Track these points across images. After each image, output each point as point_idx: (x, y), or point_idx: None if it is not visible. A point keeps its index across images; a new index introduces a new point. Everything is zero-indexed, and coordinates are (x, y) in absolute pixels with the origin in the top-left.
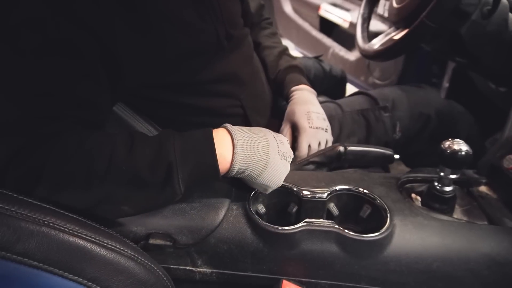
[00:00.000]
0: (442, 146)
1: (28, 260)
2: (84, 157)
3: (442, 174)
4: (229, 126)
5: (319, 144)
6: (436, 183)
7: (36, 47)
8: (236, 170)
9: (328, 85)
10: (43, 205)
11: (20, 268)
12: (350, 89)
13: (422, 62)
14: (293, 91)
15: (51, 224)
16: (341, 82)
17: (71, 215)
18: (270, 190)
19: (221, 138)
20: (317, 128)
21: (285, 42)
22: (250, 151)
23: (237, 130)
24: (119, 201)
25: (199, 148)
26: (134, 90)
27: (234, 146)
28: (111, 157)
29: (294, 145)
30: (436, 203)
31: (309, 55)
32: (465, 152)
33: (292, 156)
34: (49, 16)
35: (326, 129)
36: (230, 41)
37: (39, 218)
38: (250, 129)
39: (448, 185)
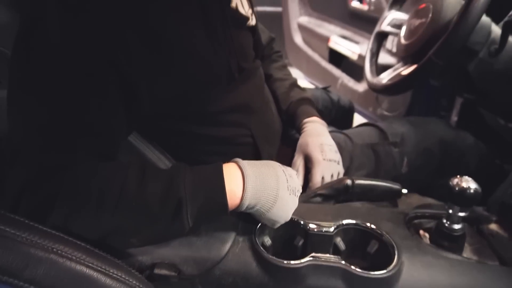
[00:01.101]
0: (451, 183)
1: (35, 287)
2: (96, 190)
3: (450, 211)
4: (240, 161)
5: (332, 176)
6: (444, 221)
7: (57, 77)
8: (246, 206)
9: (336, 115)
10: (52, 232)
11: None
12: (358, 119)
13: (431, 95)
14: (305, 123)
15: (59, 251)
16: (349, 112)
17: (79, 242)
18: (278, 225)
19: (232, 173)
20: (330, 160)
21: (295, 72)
22: (260, 187)
23: (247, 165)
24: (128, 233)
25: (209, 184)
26: (145, 119)
27: (245, 182)
28: (122, 190)
29: (308, 176)
30: (445, 241)
31: (319, 85)
32: (474, 190)
33: (300, 191)
34: (74, 50)
35: (338, 161)
36: (241, 73)
37: (48, 245)
38: (260, 164)
39: (457, 223)
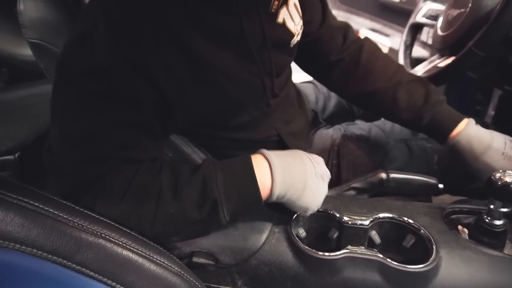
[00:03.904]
0: (493, 177)
1: (85, 270)
2: (132, 203)
3: (492, 206)
4: (266, 152)
5: None
6: (485, 216)
7: (100, 94)
8: (276, 196)
9: None
10: (101, 218)
11: (78, 278)
12: None
13: (466, 88)
14: (458, 141)
15: (107, 236)
16: None
17: (124, 229)
18: (310, 212)
19: (260, 166)
20: None
21: None
22: (288, 176)
23: (273, 155)
24: (170, 235)
25: (241, 180)
26: (178, 127)
27: (273, 173)
28: (158, 201)
29: None
30: (485, 237)
31: None
32: None
33: (329, 176)
34: (118, 69)
35: None
36: (275, 91)
37: (97, 230)
38: (286, 153)
39: (499, 219)
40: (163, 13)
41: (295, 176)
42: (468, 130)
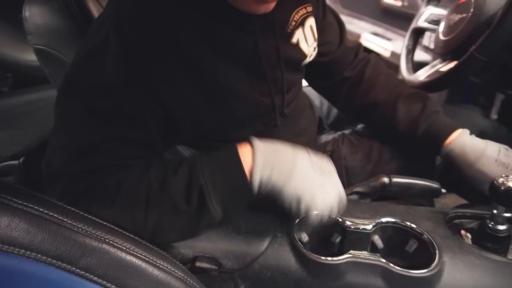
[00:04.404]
0: (496, 182)
1: (89, 275)
2: (124, 201)
3: (495, 211)
4: (252, 137)
5: None
6: (488, 221)
7: (102, 109)
8: (259, 178)
9: None
10: (104, 223)
11: (82, 283)
12: None
13: (468, 92)
14: (452, 150)
15: (111, 242)
16: None
17: (128, 234)
18: (305, 205)
19: (244, 149)
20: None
21: None
22: (271, 156)
23: (259, 140)
24: (165, 231)
25: (225, 164)
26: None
27: (254, 153)
28: (148, 196)
29: None
30: (489, 242)
31: None
32: None
33: (333, 169)
34: (123, 84)
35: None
36: (284, 110)
37: (101, 235)
38: (276, 142)
39: (502, 224)
40: (175, 32)
41: (281, 157)
42: (462, 138)
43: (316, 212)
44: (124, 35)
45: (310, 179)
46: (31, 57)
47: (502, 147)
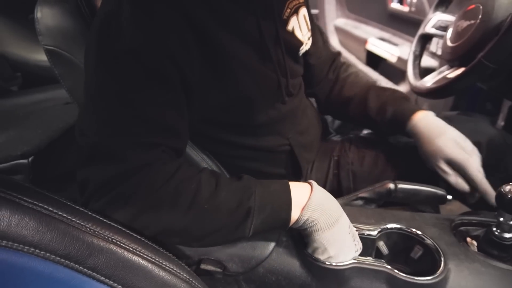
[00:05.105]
0: (502, 190)
1: (96, 274)
2: (171, 191)
3: (501, 219)
4: (313, 182)
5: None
6: (494, 229)
7: (133, 75)
8: (307, 217)
9: None
10: (111, 223)
11: (89, 282)
12: None
13: (475, 98)
14: (415, 124)
15: (118, 242)
16: None
17: (134, 235)
18: (326, 255)
19: (301, 187)
20: (473, 151)
21: None
22: (324, 203)
23: (317, 186)
24: (192, 237)
25: (277, 198)
26: (193, 125)
27: (312, 193)
28: (196, 194)
29: (465, 179)
30: (495, 249)
31: None
32: None
33: (361, 249)
34: (146, 48)
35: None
36: (288, 92)
37: (108, 236)
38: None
39: (508, 232)
40: (187, 7)
41: (331, 207)
42: (426, 116)
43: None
44: (137, 2)
45: (343, 238)
46: (40, 57)
47: (462, 135)
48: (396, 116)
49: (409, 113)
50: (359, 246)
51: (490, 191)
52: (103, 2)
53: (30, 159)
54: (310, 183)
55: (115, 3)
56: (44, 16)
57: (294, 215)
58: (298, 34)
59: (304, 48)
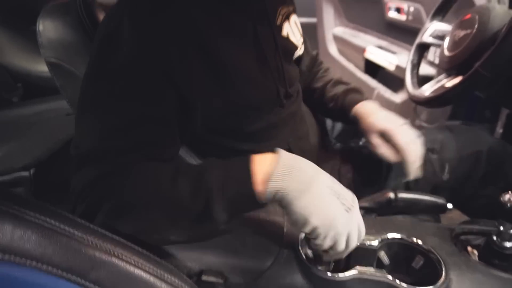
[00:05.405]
0: (502, 199)
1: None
2: (137, 188)
3: (501, 228)
4: (279, 149)
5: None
6: (495, 238)
7: (125, 89)
8: (275, 184)
9: None
10: (113, 236)
11: None
12: None
13: (473, 105)
14: (360, 107)
15: (119, 255)
16: None
17: (136, 247)
18: (309, 227)
19: (265, 157)
20: (403, 123)
21: None
22: (292, 171)
23: (284, 151)
24: (166, 229)
25: (237, 174)
26: (192, 132)
27: (278, 160)
28: (156, 186)
29: (396, 149)
30: (495, 258)
31: None
32: None
33: (355, 206)
34: (143, 64)
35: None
36: (287, 98)
37: (110, 248)
38: (301, 158)
39: (509, 241)
40: (187, 15)
41: (302, 171)
42: (368, 103)
43: (320, 241)
44: (135, 16)
45: (324, 202)
46: (41, 68)
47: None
48: (343, 105)
49: (354, 102)
50: (349, 204)
51: (410, 159)
52: (106, 17)
53: (31, 171)
54: (276, 151)
55: (117, 19)
56: (46, 29)
57: (260, 188)
58: (292, 39)
59: (298, 52)
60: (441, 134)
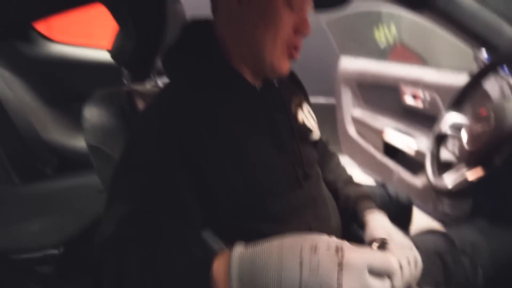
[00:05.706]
0: None
1: None
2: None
3: None
4: (237, 244)
5: (409, 263)
6: None
7: (144, 183)
8: None
9: (395, 213)
10: None
11: None
12: (417, 216)
13: (500, 191)
14: (367, 216)
15: None
16: (408, 209)
17: None
18: None
19: (220, 261)
20: (402, 245)
21: (348, 161)
22: (252, 264)
23: (239, 245)
24: None
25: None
26: (214, 214)
27: (229, 265)
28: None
29: None
30: None
31: (373, 177)
32: None
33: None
34: (161, 159)
35: (411, 247)
36: (306, 180)
37: None
38: (259, 242)
39: None
40: (206, 109)
41: (263, 266)
42: (375, 215)
43: None
44: (161, 112)
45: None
46: (77, 142)
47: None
48: (355, 210)
49: (364, 210)
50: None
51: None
52: (145, 109)
53: (61, 249)
54: (227, 253)
55: (145, 120)
56: (91, 116)
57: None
58: (308, 124)
59: (314, 136)
60: (472, 234)
